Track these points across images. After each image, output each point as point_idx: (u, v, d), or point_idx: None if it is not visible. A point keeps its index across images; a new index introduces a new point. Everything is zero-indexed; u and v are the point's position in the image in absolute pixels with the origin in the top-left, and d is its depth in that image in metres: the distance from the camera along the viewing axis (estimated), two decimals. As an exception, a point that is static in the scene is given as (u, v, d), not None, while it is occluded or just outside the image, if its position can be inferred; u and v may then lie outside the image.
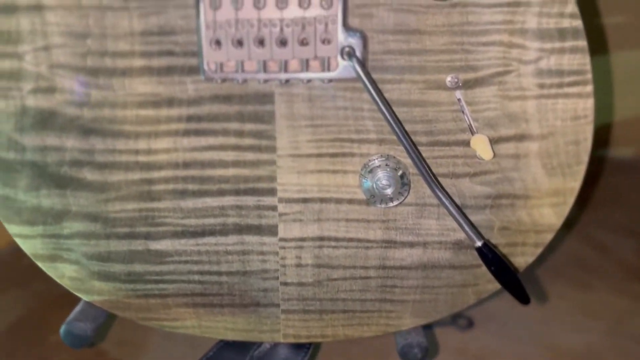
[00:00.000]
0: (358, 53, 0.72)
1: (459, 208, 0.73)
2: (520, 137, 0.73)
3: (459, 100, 0.72)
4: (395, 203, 0.74)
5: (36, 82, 0.72)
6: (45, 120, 0.72)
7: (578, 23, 0.73)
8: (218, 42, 0.69)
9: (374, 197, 0.74)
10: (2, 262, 1.13)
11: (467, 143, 0.73)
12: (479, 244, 0.73)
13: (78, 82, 0.70)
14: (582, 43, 0.74)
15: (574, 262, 1.16)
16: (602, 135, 1.53)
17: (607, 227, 1.25)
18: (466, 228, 0.72)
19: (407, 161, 0.75)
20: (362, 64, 0.72)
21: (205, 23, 0.72)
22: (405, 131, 0.72)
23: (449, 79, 0.72)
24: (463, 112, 0.74)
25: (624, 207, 1.32)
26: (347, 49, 0.72)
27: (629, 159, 1.51)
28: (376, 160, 0.75)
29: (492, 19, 0.72)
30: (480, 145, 0.74)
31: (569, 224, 1.25)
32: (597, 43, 1.49)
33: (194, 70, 0.71)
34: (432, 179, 0.72)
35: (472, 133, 0.74)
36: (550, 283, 1.09)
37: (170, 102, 0.72)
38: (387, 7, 0.72)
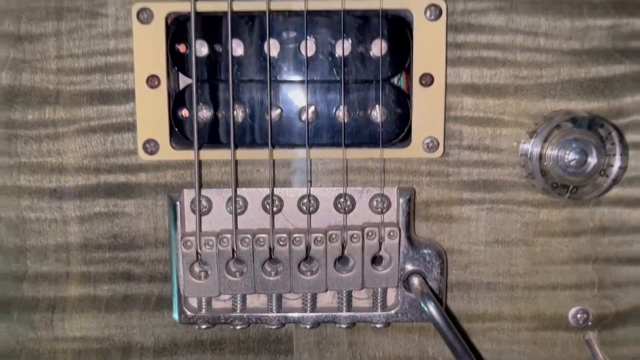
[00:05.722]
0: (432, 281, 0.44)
1: None
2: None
3: (589, 345, 0.44)
4: None
5: None
6: None
7: None
8: (203, 264, 0.41)
9: None
10: None
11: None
12: None
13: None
14: None
15: None
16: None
17: None
18: None
19: None
20: (438, 300, 0.44)
21: (182, 232, 0.43)
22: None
23: (573, 313, 0.43)
24: (597, 365, 0.47)
25: None
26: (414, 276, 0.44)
27: None
28: None
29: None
30: None
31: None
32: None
33: (164, 305, 0.43)
34: None
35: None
36: None
37: (127, 351, 0.44)
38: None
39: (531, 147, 0.44)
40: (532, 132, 0.44)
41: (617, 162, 0.43)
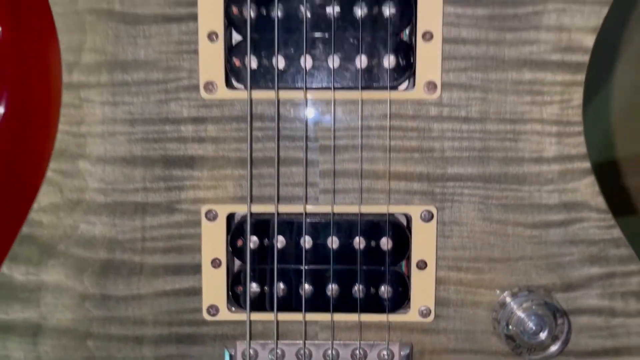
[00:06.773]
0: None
1: None
2: None
3: None
4: None
5: None
6: None
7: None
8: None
9: None
10: None
11: None
12: None
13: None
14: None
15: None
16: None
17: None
18: None
19: None
20: None
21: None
22: None
23: None
24: None
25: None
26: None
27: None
28: None
29: None
30: None
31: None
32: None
33: None
34: None
35: None
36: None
37: None
38: None
39: (500, 315, 0.58)
40: (501, 304, 0.59)
41: (565, 330, 0.58)
